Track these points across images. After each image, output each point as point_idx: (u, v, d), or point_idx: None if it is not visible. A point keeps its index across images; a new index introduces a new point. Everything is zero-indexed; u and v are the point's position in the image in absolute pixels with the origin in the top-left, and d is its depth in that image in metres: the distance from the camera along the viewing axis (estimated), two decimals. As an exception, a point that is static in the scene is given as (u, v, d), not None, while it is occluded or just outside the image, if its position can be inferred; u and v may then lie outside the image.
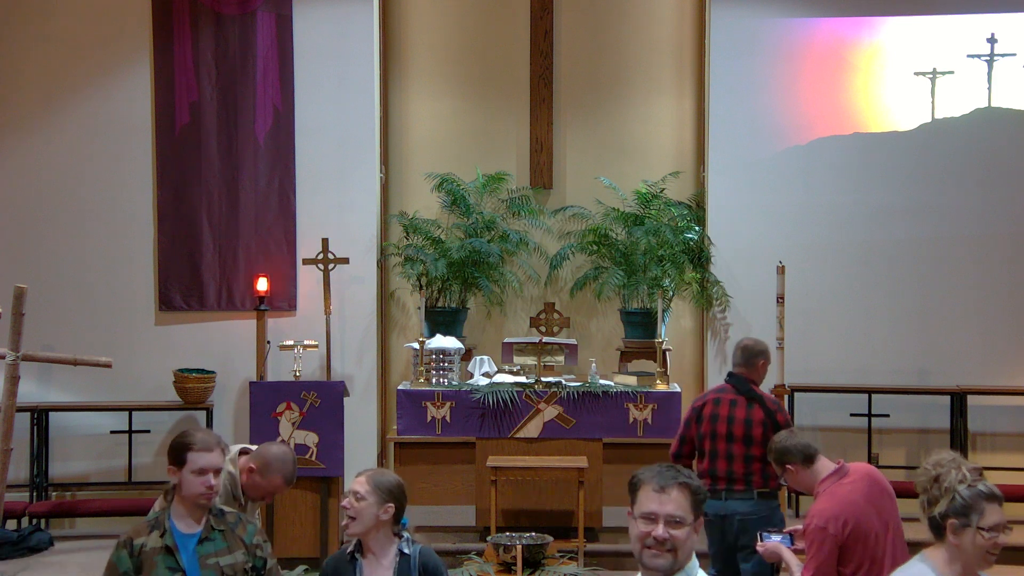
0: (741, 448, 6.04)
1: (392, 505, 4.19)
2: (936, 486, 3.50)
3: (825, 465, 4.96)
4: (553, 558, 6.97)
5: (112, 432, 8.64)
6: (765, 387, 6.48)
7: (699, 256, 8.91)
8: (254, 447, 5.28)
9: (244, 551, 4.27)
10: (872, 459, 8.68)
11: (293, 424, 7.70)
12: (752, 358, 6.25)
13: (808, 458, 4.95)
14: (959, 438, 8.59)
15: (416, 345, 8.13)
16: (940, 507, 3.45)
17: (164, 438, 8.82)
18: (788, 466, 4.96)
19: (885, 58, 8.83)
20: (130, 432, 8.62)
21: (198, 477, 4.20)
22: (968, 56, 8.78)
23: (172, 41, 8.80)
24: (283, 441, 7.53)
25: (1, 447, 6.15)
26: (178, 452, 4.28)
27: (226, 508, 4.44)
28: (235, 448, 5.26)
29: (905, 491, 8.56)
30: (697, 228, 8.96)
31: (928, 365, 8.74)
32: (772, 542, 4.97)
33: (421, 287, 8.79)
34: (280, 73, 8.84)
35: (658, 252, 8.82)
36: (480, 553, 7.13)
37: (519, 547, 6.72)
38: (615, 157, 9.46)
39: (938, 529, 3.46)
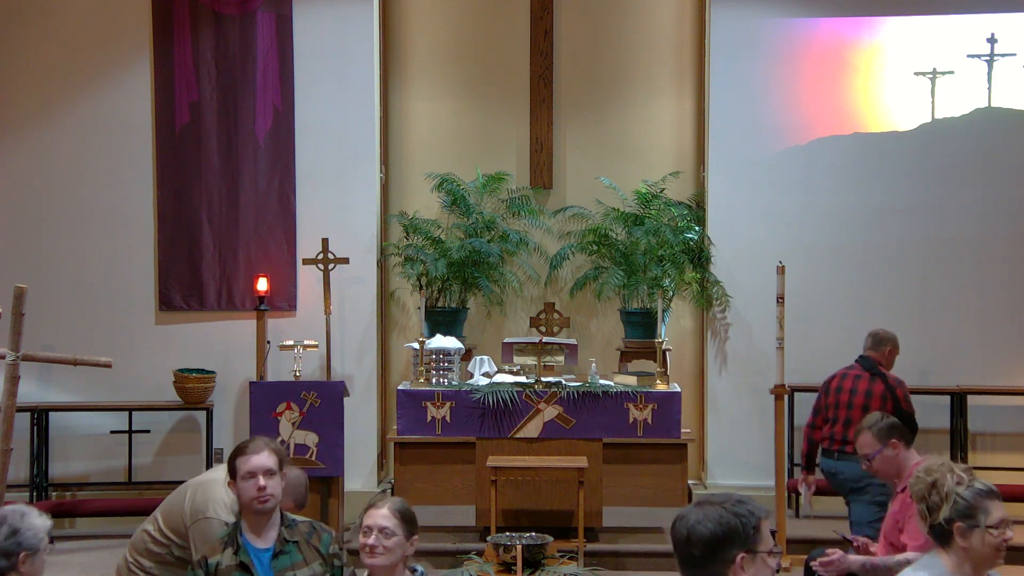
0: (859, 415, 6.58)
1: (417, 538, 3.87)
2: (935, 492, 3.49)
3: (915, 455, 5.19)
4: (553, 558, 6.96)
5: (112, 432, 8.64)
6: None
7: (699, 256, 8.91)
8: None
9: (321, 562, 4.15)
10: (872, 459, 8.68)
11: (293, 424, 7.69)
12: (880, 344, 7.05)
13: (910, 442, 5.17)
14: (959, 438, 8.59)
15: (416, 345, 8.12)
16: (944, 512, 3.43)
17: (164, 438, 8.84)
18: (893, 440, 5.13)
19: (885, 58, 8.83)
20: (130, 432, 8.62)
21: (247, 481, 4.11)
22: (968, 56, 8.78)
23: (172, 41, 8.80)
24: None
25: (1, 447, 6.15)
26: (230, 463, 4.22)
27: (298, 518, 4.30)
28: None
29: (905, 491, 8.57)
30: (697, 228, 8.96)
31: (928, 365, 8.73)
32: (833, 558, 4.92)
33: (421, 287, 8.79)
34: (280, 73, 8.84)
35: (658, 252, 8.82)
36: (480, 553, 7.12)
37: (519, 547, 6.71)
38: (615, 157, 9.45)
39: (943, 535, 3.45)
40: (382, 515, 3.77)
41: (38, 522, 3.74)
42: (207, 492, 5.05)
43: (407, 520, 3.81)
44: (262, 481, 4.09)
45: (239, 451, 4.20)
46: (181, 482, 5.40)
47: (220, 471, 5.33)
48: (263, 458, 4.12)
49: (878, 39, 8.83)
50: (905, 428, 5.30)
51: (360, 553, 3.82)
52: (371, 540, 3.75)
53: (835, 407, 6.91)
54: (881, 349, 7.05)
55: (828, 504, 8.40)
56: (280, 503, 4.25)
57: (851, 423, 6.68)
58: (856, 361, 7.05)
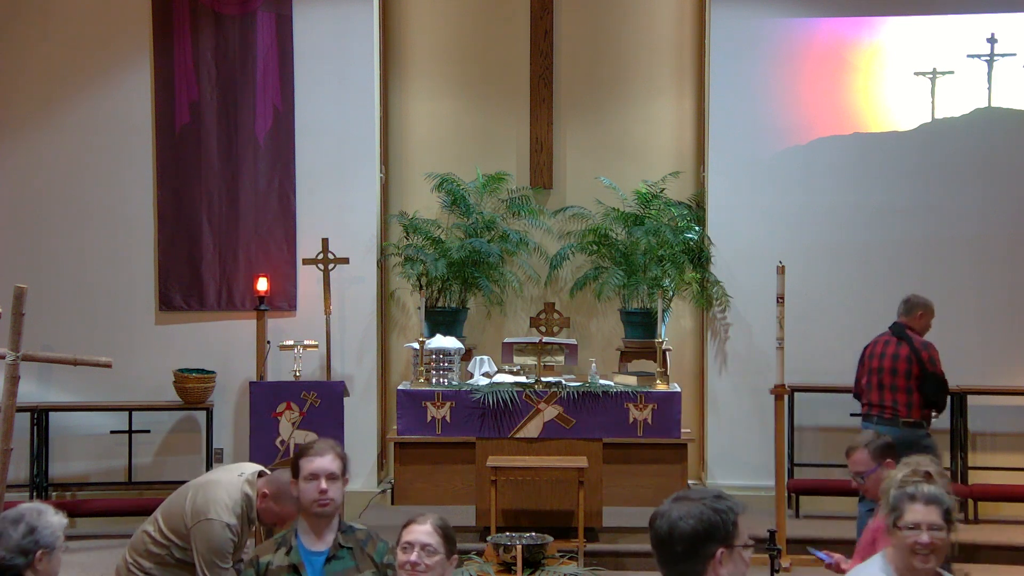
0: (889, 379, 7.15)
1: (457, 556, 3.80)
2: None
3: None
4: (553, 558, 6.96)
5: (112, 432, 8.64)
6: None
7: (699, 256, 8.91)
8: (265, 469, 5.25)
9: (375, 570, 4.06)
10: (872, 459, 8.67)
11: (293, 424, 7.69)
12: (911, 309, 7.34)
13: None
14: (959, 438, 8.59)
15: (416, 345, 8.12)
16: (883, 509, 3.58)
17: (164, 438, 8.83)
18: (888, 460, 5.03)
19: (885, 58, 8.83)
20: (130, 432, 8.62)
21: (309, 483, 4.04)
22: (968, 56, 8.78)
23: (172, 41, 8.80)
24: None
25: (1, 447, 6.15)
26: (294, 462, 4.16)
27: (357, 525, 4.22)
28: (253, 468, 5.25)
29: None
30: (697, 228, 8.96)
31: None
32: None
33: (421, 287, 8.79)
34: (280, 73, 8.84)
35: (658, 252, 8.82)
36: (480, 553, 7.12)
37: (519, 547, 6.72)
38: (615, 157, 9.45)
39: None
40: (425, 531, 3.67)
41: (55, 520, 3.76)
42: (208, 493, 5.05)
43: (448, 538, 3.73)
44: (323, 484, 4.02)
45: (304, 451, 4.14)
46: (181, 482, 5.42)
47: (222, 472, 5.34)
48: (327, 461, 4.06)
49: (878, 39, 8.83)
50: (896, 447, 5.13)
51: (399, 570, 3.74)
52: (413, 557, 3.66)
53: (868, 373, 7.26)
54: (912, 314, 7.31)
55: (828, 504, 8.42)
56: (337, 508, 4.14)
57: (883, 388, 7.17)
58: (889, 328, 7.35)
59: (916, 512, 3.48)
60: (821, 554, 5.12)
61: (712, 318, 8.90)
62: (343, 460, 4.14)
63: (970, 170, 8.78)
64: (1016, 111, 8.76)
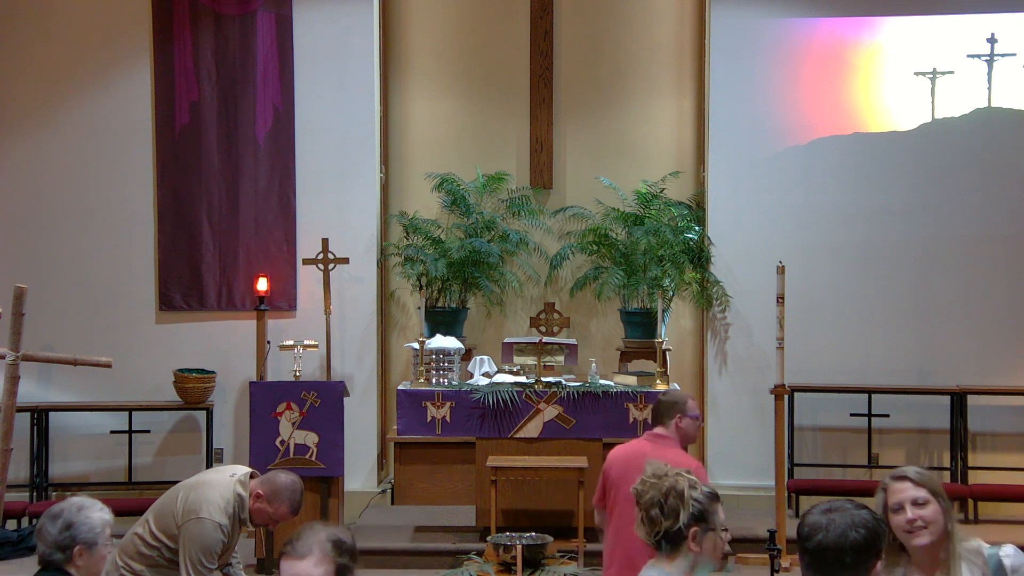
0: None
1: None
2: (672, 498, 3.39)
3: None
4: (553, 558, 6.97)
5: (112, 432, 8.65)
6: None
7: (699, 256, 8.91)
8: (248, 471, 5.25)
9: None
10: (872, 459, 8.68)
11: (293, 424, 7.69)
12: None
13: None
14: (959, 438, 8.59)
15: (416, 345, 8.12)
16: (683, 518, 3.37)
17: (164, 438, 8.84)
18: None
19: (885, 58, 8.82)
20: (130, 432, 8.62)
21: None
22: (968, 56, 8.77)
23: (172, 41, 8.80)
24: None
25: (1, 447, 6.15)
26: (278, 557, 3.13)
27: None
28: (244, 470, 5.25)
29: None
30: (697, 228, 8.96)
31: (928, 365, 8.74)
32: None
33: (421, 287, 8.79)
34: (280, 73, 8.84)
35: (658, 252, 8.82)
36: (480, 553, 7.13)
37: (519, 547, 6.72)
38: (615, 157, 9.45)
39: (676, 540, 3.39)
40: (309, 567, 2.91)
41: (95, 516, 3.70)
42: (200, 493, 5.06)
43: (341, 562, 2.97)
44: None
45: (284, 550, 3.02)
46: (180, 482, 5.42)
47: (213, 473, 5.35)
48: (307, 567, 2.91)
49: (878, 39, 8.83)
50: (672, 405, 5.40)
51: None
52: None
53: None
54: None
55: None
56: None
57: None
58: None
59: (721, 510, 3.46)
60: None
61: (712, 318, 8.90)
62: (334, 563, 2.95)
63: (970, 170, 8.78)
64: (1016, 111, 8.76)
